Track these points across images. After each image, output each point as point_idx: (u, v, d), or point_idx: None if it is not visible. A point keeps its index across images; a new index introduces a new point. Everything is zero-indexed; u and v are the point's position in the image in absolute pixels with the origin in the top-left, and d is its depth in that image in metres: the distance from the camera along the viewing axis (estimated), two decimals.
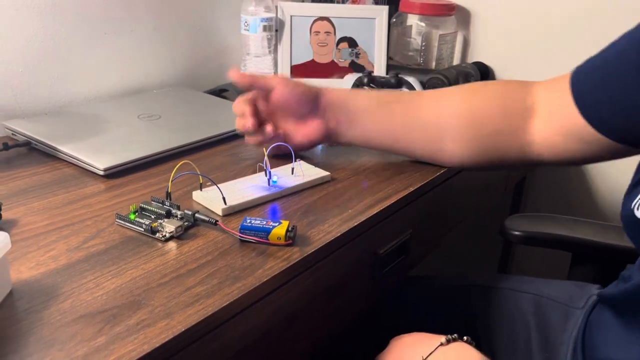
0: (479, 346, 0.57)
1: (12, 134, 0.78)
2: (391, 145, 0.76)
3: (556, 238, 0.88)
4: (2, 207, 0.59)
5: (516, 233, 0.87)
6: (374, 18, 1.17)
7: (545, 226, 0.90)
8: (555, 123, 0.69)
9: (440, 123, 0.73)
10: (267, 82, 0.74)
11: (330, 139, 0.76)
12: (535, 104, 0.71)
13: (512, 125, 0.71)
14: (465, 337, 0.56)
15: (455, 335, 0.55)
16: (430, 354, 0.54)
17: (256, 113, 0.74)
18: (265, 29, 1.08)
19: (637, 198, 0.52)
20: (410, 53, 1.24)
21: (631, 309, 0.56)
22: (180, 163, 0.64)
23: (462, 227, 0.99)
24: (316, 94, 0.74)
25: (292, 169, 0.71)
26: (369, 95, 0.76)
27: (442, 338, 0.55)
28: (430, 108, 0.74)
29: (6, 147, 0.73)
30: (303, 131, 0.75)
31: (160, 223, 0.58)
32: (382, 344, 0.81)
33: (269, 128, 0.73)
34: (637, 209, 0.51)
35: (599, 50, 0.67)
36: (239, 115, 0.74)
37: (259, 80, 0.74)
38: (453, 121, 0.72)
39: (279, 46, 1.13)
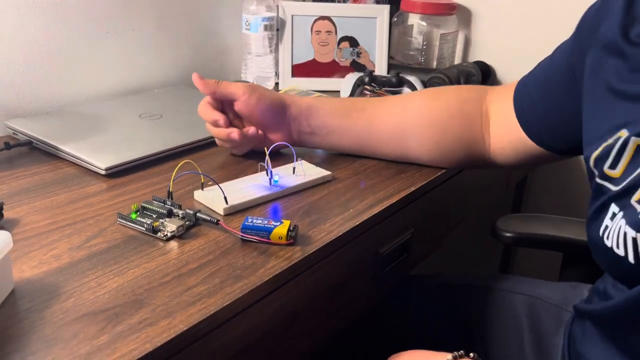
0: (474, 348, 0.56)
1: (14, 133, 0.78)
2: (358, 150, 0.78)
3: (546, 238, 0.88)
4: (4, 207, 0.59)
5: (507, 234, 0.87)
6: (375, 17, 1.17)
7: (535, 226, 0.90)
8: (504, 134, 0.73)
9: (403, 127, 0.75)
10: (230, 93, 0.73)
11: (295, 145, 0.76)
12: (489, 113, 0.75)
13: (472, 134, 0.74)
14: (471, 354, 0.55)
15: (461, 352, 0.54)
16: None
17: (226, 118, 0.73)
18: (266, 28, 1.08)
19: (603, 226, 0.51)
20: (412, 52, 1.24)
21: (617, 326, 0.54)
22: (182, 162, 0.64)
23: (463, 227, 0.99)
24: (281, 106, 0.74)
25: (294, 168, 0.71)
26: (332, 105, 0.76)
27: (448, 355, 0.54)
28: (392, 113, 0.75)
29: (8, 146, 0.73)
30: (268, 139, 0.75)
31: (162, 222, 0.58)
32: (383, 343, 0.81)
33: (251, 132, 0.73)
34: (607, 238, 0.50)
35: (545, 58, 0.72)
36: (209, 122, 0.74)
37: (222, 89, 0.73)
38: (415, 127, 0.74)
39: (280, 45, 1.13)
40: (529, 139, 0.69)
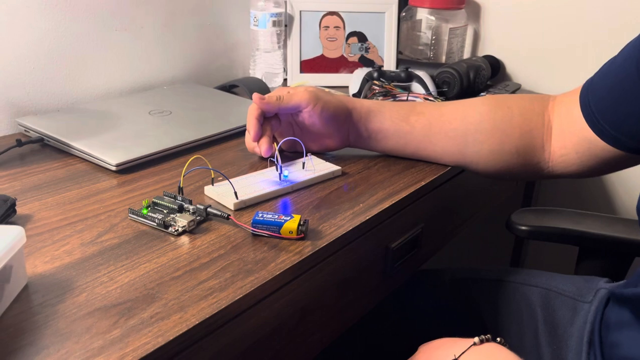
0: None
1: (25, 130, 0.79)
2: (413, 154, 0.76)
3: (562, 232, 0.87)
4: (17, 203, 0.59)
5: (522, 228, 0.87)
6: (384, 12, 1.17)
7: (551, 220, 0.89)
8: (568, 139, 0.70)
9: (462, 135, 0.73)
10: (294, 106, 0.72)
11: (347, 146, 0.76)
12: (552, 121, 0.72)
13: (531, 145, 0.72)
14: (498, 339, 0.55)
15: (488, 335, 0.55)
16: (463, 352, 0.54)
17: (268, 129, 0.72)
18: (274, 24, 1.08)
19: None
20: (420, 47, 1.23)
21: None
22: (192, 158, 0.64)
23: (474, 221, 0.99)
24: (344, 113, 0.73)
25: (303, 163, 0.71)
26: (391, 109, 0.75)
27: (475, 338, 0.54)
28: (451, 120, 0.73)
29: (20, 143, 0.74)
30: (321, 142, 0.75)
31: (173, 217, 0.58)
32: (394, 338, 0.81)
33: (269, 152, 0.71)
34: None
35: (610, 58, 0.68)
36: (253, 136, 0.71)
37: (285, 105, 0.71)
38: (474, 136, 0.72)
39: (288, 41, 1.13)
40: (597, 139, 0.66)
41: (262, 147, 0.70)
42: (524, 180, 0.79)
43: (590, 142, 0.67)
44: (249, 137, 0.73)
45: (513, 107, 0.73)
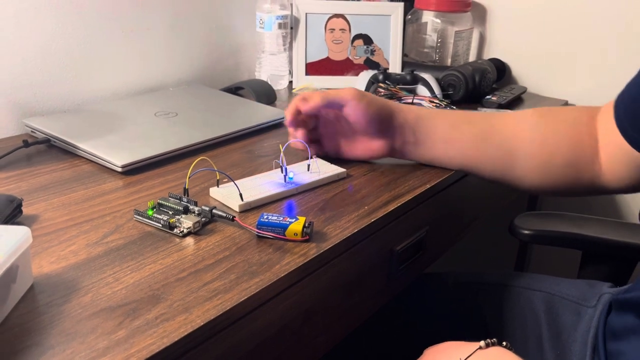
0: None
1: (32, 131, 0.79)
2: (458, 166, 0.74)
3: (565, 236, 0.87)
4: (23, 203, 0.59)
5: (526, 232, 0.87)
6: (389, 15, 1.17)
7: (555, 224, 0.89)
8: (612, 152, 0.68)
9: (512, 147, 0.71)
10: (339, 98, 0.71)
11: (392, 156, 0.75)
12: (598, 133, 0.70)
13: (582, 158, 0.70)
14: (504, 342, 0.55)
15: (494, 339, 0.54)
16: (469, 356, 0.53)
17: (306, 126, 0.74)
18: (280, 26, 1.08)
19: None
20: (426, 50, 1.23)
21: None
22: (197, 159, 0.64)
23: (478, 224, 0.99)
24: (389, 113, 0.72)
25: (308, 165, 0.71)
26: (441, 116, 0.73)
27: (481, 342, 0.54)
28: (502, 131, 0.72)
29: (26, 144, 0.74)
30: (365, 146, 0.74)
31: (178, 219, 0.58)
32: (398, 341, 0.81)
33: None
34: None
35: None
36: (291, 131, 0.74)
37: (330, 98, 0.71)
38: (524, 149, 0.71)
39: (294, 44, 1.13)
40: (633, 149, 0.64)
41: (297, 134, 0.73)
42: (577, 196, 0.76)
43: (629, 155, 0.65)
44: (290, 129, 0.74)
45: (562, 120, 0.71)
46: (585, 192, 0.73)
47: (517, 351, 0.54)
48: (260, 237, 0.57)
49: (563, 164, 0.70)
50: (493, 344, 0.54)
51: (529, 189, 0.74)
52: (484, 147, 0.72)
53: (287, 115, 0.72)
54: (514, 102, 1.13)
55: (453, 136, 0.72)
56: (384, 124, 0.72)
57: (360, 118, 0.71)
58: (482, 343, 0.54)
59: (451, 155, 0.73)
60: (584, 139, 0.70)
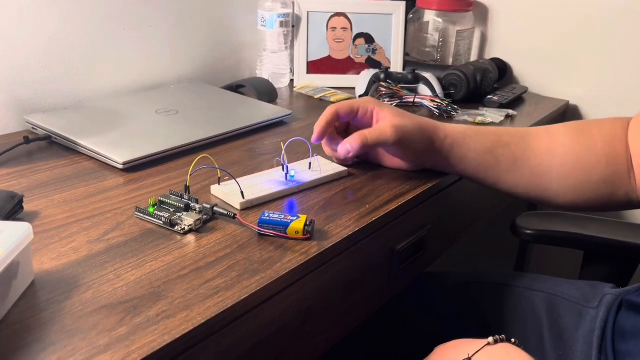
0: None
1: (33, 128, 0.79)
2: (492, 185, 0.74)
3: (567, 236, 0.87)
4: (24, 200, 0.59)
5: (527, 231, 0.87)
6: (391, 14, 1.17)
7: (556, 224, 0.89)
8: None
9: (547, 169, 0.70)
10: (381, 143, 0.69)
11: (421, 168, 0.74)
12: (630, 145, 0.70)
13: (618, 173, 0.69)
14: (512, 339, 0.55)
15: (502, 336, 0.54)
16: (476, 352, 0.54)
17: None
18: (282, 24, 1.08)
19: None
20: (427, 49, 1.23)
21: None
22: (199, 157, 0.64)
23: (479, 224, 0.99)
24: (427, 144, 0.70)
25: (310, 163, 0.71)
26: (476, 140, 0.71)
27: (490, 338, 0.54)
28: (537, 155, 0.71)
29: (27, 140, 0.74)
30: (395, 161, 0.74)
31: (179, 216, 0.58)
32: (398, 340, 0.81)
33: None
34: None
35: None
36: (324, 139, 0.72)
37: (371, 143, 0.69)
38: (558, 170, 0.70)
39: (295, 42, 1.13)
40: None
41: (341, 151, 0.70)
42: (612, 211, 0.75)
43: None
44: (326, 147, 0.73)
45: (596, 135, 0.70)
46: (621, 207, 0.72)
47: None
48: (261, 235, 0.57)
49: (598, 181, 0.69)
50: (502, 341, 0.54)
51: (563, 206, 0.73)
52: (518, 172, 0.71)
53: (318, 136, 0.70)
54: (515, 102, 1.12)
55: (487, 161, 0.71)
56: (418, 154, 0.71)
57: (399, 155, 0.72)
58: (490, 339, 0.54)
59: (482, 177, 0.73)
60: (620, 154, 0.68)
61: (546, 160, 0.70)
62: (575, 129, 0.72)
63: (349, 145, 0.69)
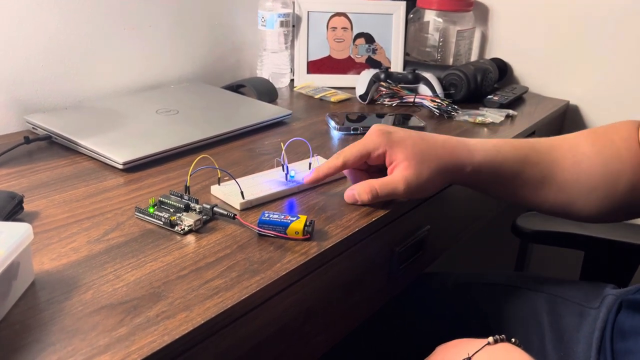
0: None
1: (33, 128, 0.79)
2: (517, 203, 0.72)
3: (567, 236, 0.87)
4: (24, 200, 0.59)
5: (528, 231, 0.87)
6: (391, 14, 1.17)
7: (557, 224, 0.89)
8: None
9: (573, 184, 0.68)
10: (393, 197, 0.65)
11: None
12: None
13: None
14: (513, 339, 0.55)
15: (503, 336, 0.54)
16: (476, 352, 0.54)
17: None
18: (282, 24, 1.08)
19: None
20: (428, 49, 1.23)
21: None
22: (199, 157, 0.64)
23: (479, 224, 0.99)
24: (449, 182, 0.68)
25: (310, 164, 0.71)
26: (503, 162, 0.67)
27: (490, 338, 0.54)
28: (564, 168, 0.68)
29: (27, 140, 0.74)
30: None
31: (179, 216, 0.58)
32: (398, 341, 0.81)
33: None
34: None
35: None
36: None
37: (388, 197, 0.64)
38: (586, 181, 0.68)
39: (295, 42, 1.13)
40: None
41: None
42: (637, 218, 0.74)
43: None
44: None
45: (617, 141, 0.68)
46: None
47: None
48: (261, 236, 0.57)
49: (626, 189, 0.67)
50: (502, 340, 0.54)
51: (587, 219, 0.71)
52: (545, 190, 0.69)
53: (312, 180, 0.66)
54: (516, 102, 1.12)
55: (515, 184, 0.69)
56: (438, 189, 0.69)
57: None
58: (490, 339, 0.54)
59: (510, 195, 0.70)
60: None
61: (573, 174, 0.68)
62: (594, 138, 0.69)
63: (357, 196, 0.64)
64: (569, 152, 0.69)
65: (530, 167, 0.68)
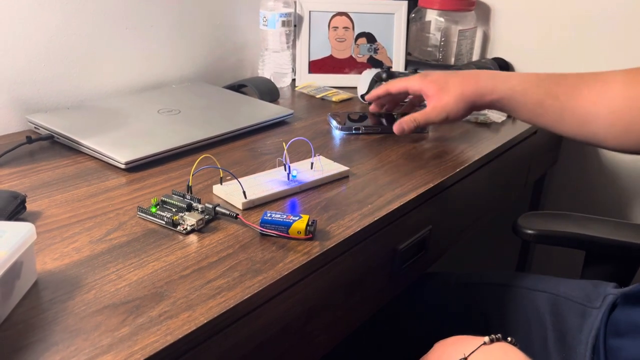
0: None
1: (35, 127, 0.79)
2: (541, 127, 0.79)
3: (569, 236, 0.87)
4: (27, 200, 0.59)
5: (529, 231, 0.86)
6: (393, 13, 1.17)
7: (558, 224, 0.88)
8: None
9: (594, 118, 0.71)
10: (430, 123, 0.83)
11: None
12: None
13: None
14: (509, 338, 0.55)
15: (499, 335, 0.55)
16: (472, 352, 0.54)
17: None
18: (283, 24, 1.08)
19: None
20: (429, 48, 1.23)
21: None
22: (201, 157, 0.64)
23: (481, 224, 0.99)
24: (474, 108, 0.81)
25: (312, 163, 0.71)
26: (527, 92, 0.76)
27: (486, 338, 0.55)
28: (587, 103, 0.72)
29: (29, 140, 0.74)
30: None
31: (182, 216, 0.58)
32: (400, 340, 0.81)
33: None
34: None
35: None
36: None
37: (426, 124, 0.84)
38: (607, 116, 0.70)
39: (297, 41, 1.13)
40: None
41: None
42: None
43: None
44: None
45: None
46: None
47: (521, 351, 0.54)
48: (263, 235, 0.57)
49: None
50: (498, 340, 0.54)
51: (612, 149, 0.74)
52: (566, 121, 0.74)
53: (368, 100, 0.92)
54: None
55: (537, 113, 0.76)
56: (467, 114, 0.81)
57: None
58: (486, 338, 0.54)
59: (533, 121, 0.79)
60: None
61: (593, 110, 0.71)
62: (632, 76, 0.71)
63: (404, 124, 0.83)
64: (596, 87, 0.72)
65: (551, 99, 0.74)
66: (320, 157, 0.73)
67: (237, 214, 0.59)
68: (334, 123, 0.89)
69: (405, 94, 0.87)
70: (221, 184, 0.65)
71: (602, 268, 0.87)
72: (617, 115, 0.70)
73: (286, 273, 0.52)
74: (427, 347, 0.61)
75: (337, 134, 0.87)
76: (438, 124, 0.85)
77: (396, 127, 0.82)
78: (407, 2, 1.17)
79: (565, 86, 0.74)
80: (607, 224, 0.88)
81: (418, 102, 0.93)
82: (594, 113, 0.71)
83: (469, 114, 0.81)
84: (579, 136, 0.75)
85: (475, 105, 0.79)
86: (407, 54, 1.22)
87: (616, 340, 0.64)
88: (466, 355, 0.54)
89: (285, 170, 0.68)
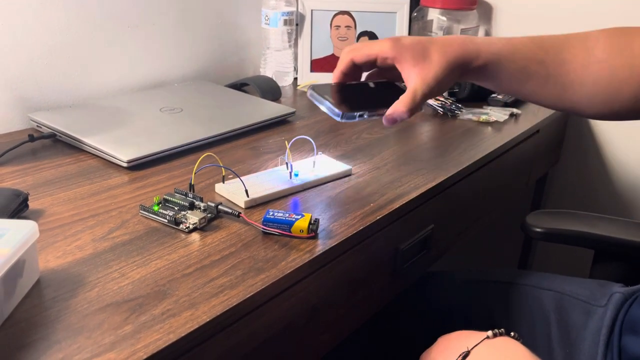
0: None
1: (38, 126, 0.79)
2: (523, 98, 0.74)
3: (578, 235, 0.86)
4: (29, 198, 0.59)
5: (537, 229, 0.86)
6: (395, 12, 1.17)
7: (567, 223, 0.88)
8: None
9: (578, 87, 0.69)
10: (415, 106, 0.66)
11: None
12: None
13: None
14: (512, 333, 0.55)
15: (502, 329, 0.55)
16: (475, 345, 0.54)
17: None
18: (285, 22, 1.08)
19: None
20: None
21: None
22: (203, 155, 0.64)
23: (483, 223, 0.98)
24: (459, 77, 0.68)
25: (314, 162, 0.71)
26: (512, 58, 0.69)
27: (489, 332, 0.55)
28: (572, 69, 0.69)
29: (32, 138, 0.74)
30: None
31: (184, 214, 0.58)
32: (403, 339, 0.81)
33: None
34: None
35: None
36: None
37: (413, 107, 0.66)
38: (591, 86, 0.68)
39: (299, 40, 1.13)
40: None
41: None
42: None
43: None
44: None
45: (635, 49, 0.67)
46: None
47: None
48: (266, 234, 0.57)
49: (629, 98, 0.67)
50: (501, 334, 0.55)
51: (592, 117, 0.73)
52: (549, 88, 0.70)
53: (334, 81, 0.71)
54: (519, 101, 1.12)
55: (521, 79, 0.70)
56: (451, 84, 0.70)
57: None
58: (489, 333, 0.55)
59: (514, 89, 0.72)
60: None
61: (578, 77, 0.68)
62: (616, 44, 0.69)
63: (395, 115, 0.65)
64: (580, 53, 0.69)
65: (536, 64, 0.69)
66: (323, 155, 0.73)
67: (240, 213, 0.59)
68: (328, 107, 0.66)
69: (373, 63, 0.68)
70: (223, 183, 0.65)
71: (610, 267, 0.86)
72: (600, 85, 0.68)
73: (289, 271, 0.52)
74: (430, 345, 0.61)
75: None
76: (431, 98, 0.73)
77: (386, 121, 0.66)
78: (409, 1, 1.17)
79: (551, 52, 0.70)
80: (616, 223, 0.88)
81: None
82: (578, 82, 0.68)
83: (453, 83, 0.70)
84: (558, 105, 0.71)
85: (462, 74, 0.68)
86: None
87: (632, 337, 0.63)
88: (469, 349, 0.54)
89: (288, 168, 0.68)
